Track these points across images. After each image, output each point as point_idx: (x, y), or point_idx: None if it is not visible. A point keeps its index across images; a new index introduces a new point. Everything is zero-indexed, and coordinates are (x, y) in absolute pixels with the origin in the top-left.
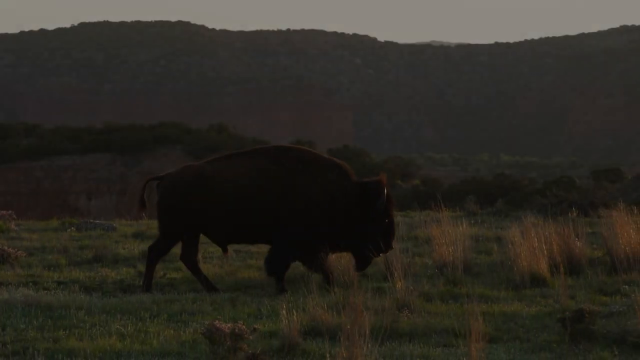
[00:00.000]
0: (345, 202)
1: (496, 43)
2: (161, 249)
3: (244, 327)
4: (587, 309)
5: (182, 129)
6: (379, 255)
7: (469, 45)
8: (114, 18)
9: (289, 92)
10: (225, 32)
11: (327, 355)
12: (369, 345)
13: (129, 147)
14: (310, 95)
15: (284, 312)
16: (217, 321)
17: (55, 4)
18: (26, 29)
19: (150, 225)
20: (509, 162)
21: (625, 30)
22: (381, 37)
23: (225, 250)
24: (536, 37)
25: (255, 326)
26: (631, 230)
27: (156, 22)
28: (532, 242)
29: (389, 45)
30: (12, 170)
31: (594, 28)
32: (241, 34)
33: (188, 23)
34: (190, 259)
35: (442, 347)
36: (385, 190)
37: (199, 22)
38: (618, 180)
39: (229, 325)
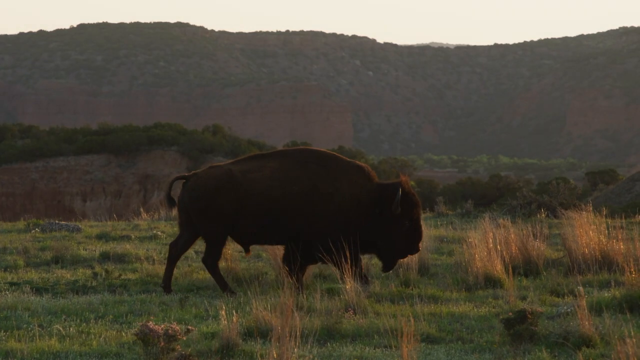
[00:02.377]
0: (367, 203)
1: (495, 45)
2: (181, 246)
3: (177, 328)
4: (529, 310)
5: (177, 130)
6: (404, 257)
7: (468, 47)
8: (113, 19)
9: (288, 93)
10: (224, 34)
11: (258, 355)
12: (301, 345)
13: (124, 148)
14: (309, 97)
15: (223, 313)
16: (150, 322)
17: (54, 5)
18: (25, 30)
19: (116, 227)
20: (508, 163)
21: (624, 31)
22: (380, 39)
23: (247, 251)
24: (535, 39)
25: (190, 327)
26: (591, 232)
27: (155, 23)
28: (488, 243)
29: (388, 46)
30: (7, 172)
31: (593, 30)
32: (240, 35)
33: (187, 24)
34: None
35: (382, 348)
36: (404, 193)
37: (198, 24)
38: (612, 181)
39: (163, 326)
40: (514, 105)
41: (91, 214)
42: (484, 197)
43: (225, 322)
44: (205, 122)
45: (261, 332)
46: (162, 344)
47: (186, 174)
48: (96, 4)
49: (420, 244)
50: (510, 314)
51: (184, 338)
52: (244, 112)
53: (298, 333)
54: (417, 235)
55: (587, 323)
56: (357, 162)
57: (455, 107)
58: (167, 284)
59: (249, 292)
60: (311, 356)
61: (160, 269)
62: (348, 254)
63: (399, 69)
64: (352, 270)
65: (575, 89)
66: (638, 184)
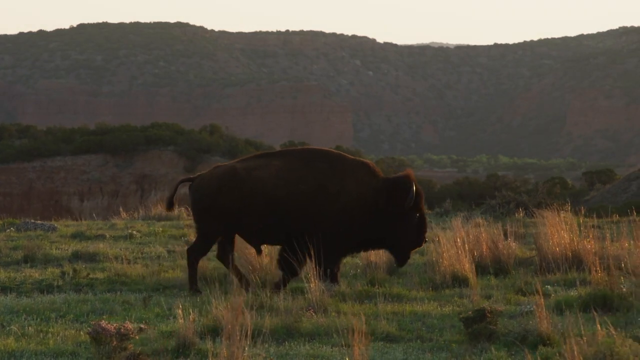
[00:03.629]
0: (375, 200)
1: (495, 44)
2: (200, 250)
3: (130, 327)
4: (488, 309)
5: (175, 130)
6: (414, 249)
7: (468, 47)
8: (113, 19)
9: (288, 93)
10: (224, 34)
11: (209, 355)
12: (258, 344)
13: (121, 148)
14: (309, 97)
15: (179, 312)
16: (103, 321)
17: (54, 5)
18: (25, 30)
19: (91, 226)
20: (507, 163)
21: (624, 31)
22: (380, 39)
23: (259, 251)
24: (535, 39)
25: (142, 326)
26: (562, 232)
27: (155, 23)
28: (457, 242)
29: (388, 46)
30: (5, 171)
31: (593, 29)
32: (240, 35)
33: (187, 24)
34: (226, 257)
35: (340, 346)
36: (414, 185)
37: (198, 24)
38: (609, 181)
39: (115, 325)
40: (514, 105)
41: (88, 213)
42: (481, 197)
43: (182, 321)
44: (206, 122)
45: (219, 332)
46: (115, 343)
47: (191, 176)
48: (96, 4)
49: (425, 236)
50: (469, 312)
51: (137, 337)
52: (244, 112)
53: (249, 332)
54: (423, 226)
55: (545, 322)
56: (361, 159)
57: (455, 107)
58: (193, 287)
59: (212, 291)
60: (264, 355)
61: (129, 268)
62: (325, 254)
63: (399, 68)
64: (324, 270)
65: (576, 89)
66: (634, 184)
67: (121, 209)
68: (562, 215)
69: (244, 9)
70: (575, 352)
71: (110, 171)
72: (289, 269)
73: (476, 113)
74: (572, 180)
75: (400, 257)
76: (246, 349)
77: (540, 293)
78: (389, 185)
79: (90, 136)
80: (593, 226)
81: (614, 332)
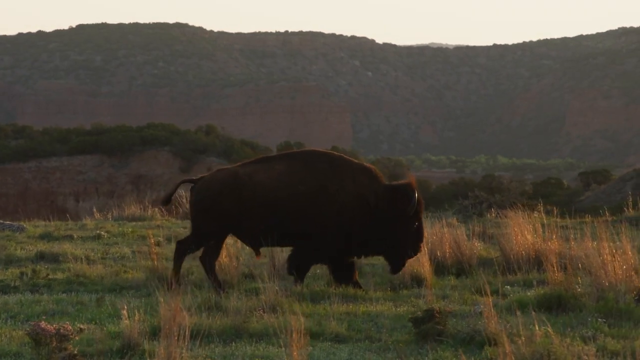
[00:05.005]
0: (376, 205)
1: (494, 45)
2: (190, 247)
3: (69, 327)
4: (437, 309)
5: (170, 130)
6: (410, 257)
7: (467, 47)
8: (112, 20)
9: (287, 93)
10: (223, 34)
11: (147, 355)
12: (203, 345)
13: (117, 148)
14: (308, 97)
15: (124, 312)
16: (42, 322)
17: (53, 5)
18: (24, 31)
19: (59, 227)
20: (506, 164)
21: (623, 32)
22: (379, 39)
23: (257, 253)
24: (534, 39)
25: (82, 326)
26: (526, 232)
27: (154, 23)
28: None
29: (387, 47)
30: (1, 172)
31: (592, 30)
32: (239, 35)
33: (186, 25)
34: (211, 260)
35: (286, 347)
36: (416, 194)
37: (197, 24)
38: (605, 181)
39: (55, 326)
40: (514, 106)
41: (84, 214)
42: (476, 197)
43: (127, 321)
44: (205, 122)
45: (167, 332)
46: (54, 343)
47: (194, 178)
48: (95, 4)
49: (422, 245)
50: (419, 313)
51: (77, 338)
52: (243, 112)
53: (187, 332)
54: (420, 235)
55: (493, 322)
56: (363, 163)
57: (454, 107)
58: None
59: (160, 292)
60: (205, 355)
61: (89, 269)
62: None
63: (398, 69)
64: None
65: (575, 89)
66: (629, 184)
67: (94, 209)
68: (534, 215)
69: (243, 9)
70: (507, 352)
71: (106, 171)
72: (298, 271)
73: (475, 113)
74: (570, 181)
75: (396, 264)
76: (184, 349)
77: (489, 293)
78: (391, 190)
79: (86, 136)
80: (563, 227)
81: (552, 332)
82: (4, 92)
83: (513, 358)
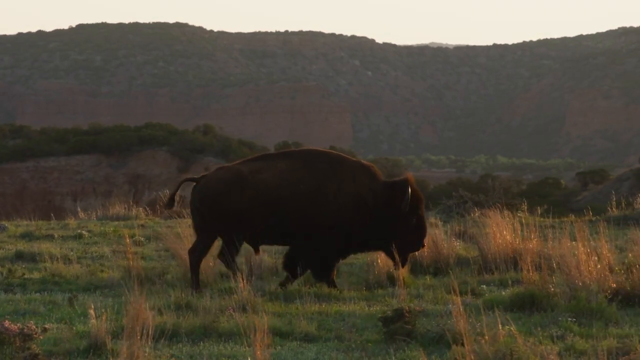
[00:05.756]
0: (374, 202)
1: (494, 45)
2: (201, 250)
3: (33, 327)
4: (407, 309)
5: (168, 130)
6: (412, 252)
7: (467, 47)
8: (112, 20)
9: (287, 93)
10: (223, 34)
11: (110, 355)
12: (171, 344)
13: (114, 148)
14: (308, 97)
15: (91, 312)
16: (6, 321)
17: (53, 5)
18: (24, 31)
19: (41, 226)
20: (506, 163)
21: (623, 32)
22: (379, 39)
23: (257, 251)
24: (534, 39)
25: (46, 326)
26: (505, 232)
27: (154, 23)
28: None
29: (387, 46)
30: None
31: (592, 30)
32: (239, 35)
33: (186, 25)
34: (231, 257)
35: (254, 346)
36: (410, 189)
37: (197, 24)
38: (603, 181)
39: (19, 325)
40: (514, 106)
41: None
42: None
43: (94, 321)
44: (205, 122)
45: (129, 331)
46: (18, 343)
47: (196, 177)
48: (95, 4)
49: (425, 240)
50: (389, 312)
51: (41, 337)
52: (243, 112)
53: (150, 331)
54: (422, 231)
55: (462, 322)
56: (362, 161)
57: (454, 107)
58: (196, 286)
59: (130, 291)
60: (169, 354)
61: (65, 268)
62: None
63: (398, 69)
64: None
65: (575, 89)
66: (625, 184)
67: (79, 209)
68: (518, 214)
69: (243, 9)
70: (467, 351)
71: (103, 171)
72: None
73: (475, 113)
74: (569, 181)
75: (399, 260)
76: (147, 348)
77: (458, 292)
78: (388, 187)
79: (83, 136)
80: (547, 227)
81: (515, 331)
82: (4, 92)
83: (473, 357)
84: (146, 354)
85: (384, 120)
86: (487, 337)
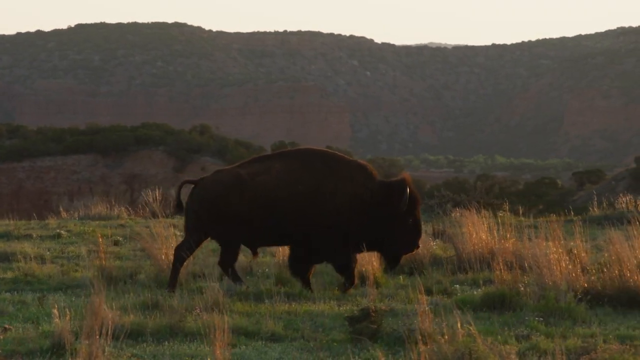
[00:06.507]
0: (371, 202)
1: (493, 45)
2: (187, 249)
3: None
4: (373, 308)
5: (165, 130)
6: (406, 253)
7: (466, 47)
8: (111, 19)
9: (285, 93)
10: (222, 34)
11: (68, 355)
12: (134, 344)
13: (111, 148)
14: (307, 97)
15: (55, 311)
16: None
17: (52, 5)
18: (23, 30)
19: (20, 226)
20: (504, 163)
21: (622, 32)
22: (378, 39)
23: (255, 253)
24: (533, 39)
25: (6, 326)
26: (481, 232)
27: (153, 23)
28: None
29: (386, 46)
30: None
31: (591, 30)
32: (238, 35)
33: (185, 24)
34: (228, 264)
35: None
36: (408, 190)
37: (195, 24)
38: (599, 181)
39: None
40: (512, 106)
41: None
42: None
43: (58, 320)
44: (204, 122)
45: (102, 332)
46: None
47: (194, 179)
48: (94, 4)
49: (419, 241)
50: (355, 312)
51: (1, 337)
52: (242, 112)
53: (110, 330)
54: (417, 232)
55: (427, 321)
56: (358, 160)
57: (453, 107)
58: (172, 286)
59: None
60: (131, 353)
61: (38, 268)
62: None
63: (396, 69)
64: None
65: (574, 89)
66: (621, 184)
67: (61, 208)
68: (499, 214)
69: (242, 9)
70: (421, 351)
71: (100, 171)
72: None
73: (474, 113)
74: (566, 181)
75: (392, 261)
76: (106, 347)
77: (423, 292)
78: (385, 187)
79: (80, 136)
80: (528, 226)
81: (474, 331)
82: (3, 92)
83: (428, 357)
84: (106, 354)
85: (383, 120)
86: (446, 337)
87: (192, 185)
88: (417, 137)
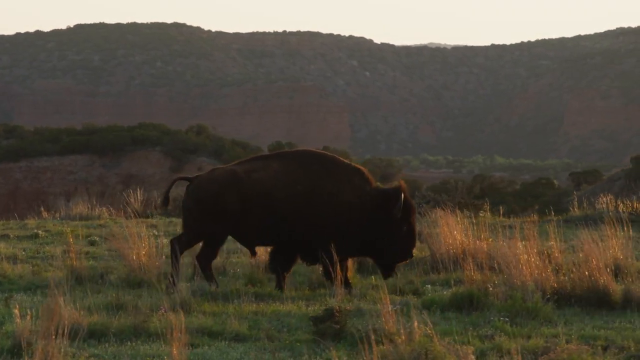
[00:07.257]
0: (366, 207)
1: (493, 45)
2: (185, 245)
3: None
4: (337, 308)
5: (161, 130)
6: (401, 261)
7: (465, 47)
8: (110, 19)
9: (285, 93)
10: (221, 34)
11: (24, 354)
12: (96, 344)
13: (108, 148)
14: (306, 97)
15: (16, 311)
16: None
17: (51, 5)
18: (22, 31)
19: (7, 226)
20: (503, 164)
21: (621, 32)
22: (377, 39)
23: (253, 253)
24: (532, 39)
25: None
26: (456, 232)
27: (152, 23)
28: None
29: (385, 47)
30: None
31: (590, 30)
32: (237, 35)
33: (184, 25)
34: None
35: (188, 346)
36: (403, 197)
37: (195, 24)
38: (596, 181)
39: None
40: (512, 106)
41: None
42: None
43: (19, 320)
44: (203, 122)
45: (74, 332)
46: None
47: (189, 176)
48: (93, 4)
49: (414, 250)
50: (319, 312)
51: None
52: (242, 112)
53: (66, 330)
54: (412, 240)
55: (390, 321)
56: (355, 164)
57: (452, 107)
58: (173, 279)
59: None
60: (90, 354)
61: (10, 268)
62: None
63: (396, 69)
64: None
65: (573, 89)
66: (617, 184)
67: (42, 208)
68: (481, 214)
69: (241, 9)
70: (374, 351)
71: (96, 171)
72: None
73: (474, 113)
74: (564, 181)
75: (387, 268)
76: (63, 348)
77: (387, 292)
78: (381, 193)
79: (77, 136)
80: (508, 227)
81: (431, 331)
82: (2, 92)
83: (382, 357)
84: (63, 354)
85: (382, 121)
86: (403, 337)
87: (187, 183)
88: (417, 137)
